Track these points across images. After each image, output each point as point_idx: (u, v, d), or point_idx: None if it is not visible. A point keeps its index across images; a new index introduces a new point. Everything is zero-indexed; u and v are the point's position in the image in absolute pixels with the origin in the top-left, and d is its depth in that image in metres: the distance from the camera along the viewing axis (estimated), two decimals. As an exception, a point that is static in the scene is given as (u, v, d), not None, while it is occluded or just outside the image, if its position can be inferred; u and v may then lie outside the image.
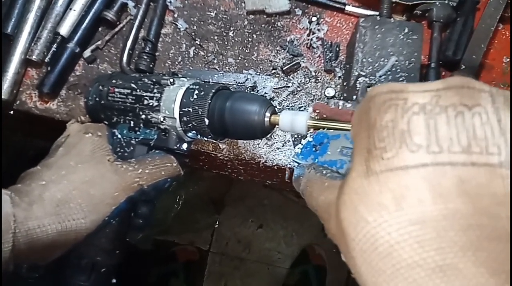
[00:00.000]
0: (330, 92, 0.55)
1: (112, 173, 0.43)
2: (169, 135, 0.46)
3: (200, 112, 0.42)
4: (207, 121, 0.42)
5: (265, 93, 0.55)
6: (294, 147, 0.50)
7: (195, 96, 0.42)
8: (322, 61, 0.56)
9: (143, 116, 0.46)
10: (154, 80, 0.46)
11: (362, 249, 0.21)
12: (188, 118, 0.43)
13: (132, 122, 0.48)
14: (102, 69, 0.59)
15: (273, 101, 0.55)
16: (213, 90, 0.43)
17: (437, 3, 0.55)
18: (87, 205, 0.40)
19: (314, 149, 0.37)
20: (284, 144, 0.55)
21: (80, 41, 0.57)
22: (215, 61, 0.57)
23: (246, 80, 0.55)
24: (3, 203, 0.37)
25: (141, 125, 0.47)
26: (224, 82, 0.55)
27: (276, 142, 0.55)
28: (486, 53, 0.56)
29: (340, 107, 0.39)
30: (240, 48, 0.58)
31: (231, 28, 0.58)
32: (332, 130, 0.37)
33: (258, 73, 0.56)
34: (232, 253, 1.57)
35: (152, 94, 0.45)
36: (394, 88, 0.22)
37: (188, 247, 1.54)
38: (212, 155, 0.57)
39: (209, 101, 0.42)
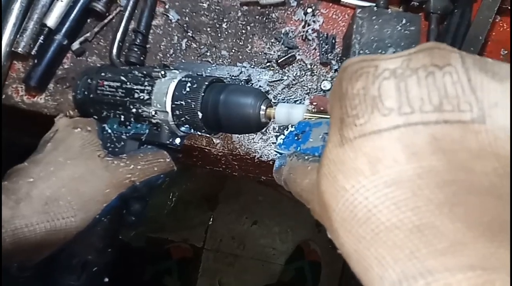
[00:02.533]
0: (327, 85, 0.53)
1: (103, 169, 0.41)
2: (161, 130, 0.44)
3: (193, 106, 0.40)
4: (200, 114, 0.40)
5: (259, 86, 0.53)
6: (276, 138, 0.49)
7: (187, 89, 0.41)
8: (318, 53, 0.55)
9: (134, 110, 0.44)
10: (144, 72, 0.44)
11: (343, 218, 0.21)
12: (181, 112, 0.41)
13: (122, 116, 0.46)
14: (91, 62, 0.57)
15: (268, 95, 0.54)
16: (206, 83, 0.41)
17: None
18: (77, 202, 0.39)
19: (296, 138, 0.36)
20: (279, 138, 0.54)
21: (68, 33, 0.55)
22: (208, 53, 0.56)
23: (240, 73, 0.54)
24: None
25: (132, 119, 0.46)
26: (217, 75, 0.54)
27: (271, 136, 0.54)
28: (484, 45, 0.55)
29: (337, 100, 0.38)
30: (234, 40, 0.56)
31: (225, 20, 0.56)
32: (314, 119, 0.36)
33: (252, 66, 0.55)
34: (227, 250, 1.56)
35: (142, 87, 0.43)
36: (366, 58, 0.22)
37: (182, 244, 1.53)
38: (206, 150, 0.56)
39: (202, 94, 0.40)
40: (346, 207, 0.21)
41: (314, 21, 0.55)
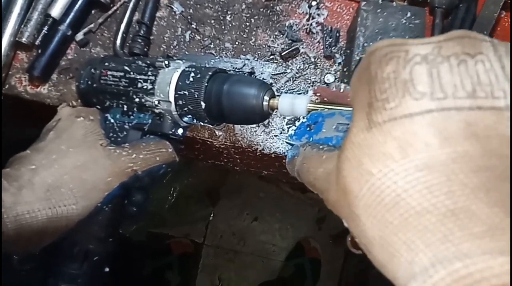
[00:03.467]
0: (330, 78, 0.53)
1: (105, 158, 0.41)
2: (164, 120, 0.44)
3: (196, 96, 0.40)
4: (203, 104, 0.40)
5: (263, 79, 0.53)
6: (288, 130, 0.48)
7: (191, 79, 0.41)
8: (322, 47, 0.55)
9: (137, 99, 0.44)
10: (148, 62, 0.44)
11: (367, 204, 0.21)
12: (184, 102, 0.41)
13: (125, 106, 0.46)
14: (95, 53, 0.57)
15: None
16: (210, 73, 0.41)
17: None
18: (79, 190, 0.39)
19: (308, 129, 0.36)
20: (282, 131, 0.54)
21: (72, 23, 0.55)
22: (212, 45, 0.56)
23: (244, 65, 0.54)
24: None
25: (135, 109, 0.46)
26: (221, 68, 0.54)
27: (274, 129, 0.54)
28: (488, 40, 0.55)
29: (341, 91, 0.38)
30: (238, 33, 0.56)
31: (229, 12, 0.56)
32: (326, 110, 0.36)
33: (256, 59, 0.55)
34: (227, 245, 1.56)
35: (146, 77, 0.43)
36: (394, 42, 0.22)
37: (183, 239, 1.53)
38: (208, 142, 0.56)
39: (206, 84, 0.40)
40: (372, 192, 0.20)
41: (318, 14, 0.55)
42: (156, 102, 0.43)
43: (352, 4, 0.56)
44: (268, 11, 0.56)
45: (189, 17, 0.56)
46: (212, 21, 0.56)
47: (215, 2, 0.57)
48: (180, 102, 0.42)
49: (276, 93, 0.51)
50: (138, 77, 0.43)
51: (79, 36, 0.56)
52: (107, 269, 0.46)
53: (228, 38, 0.56)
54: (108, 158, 0.41)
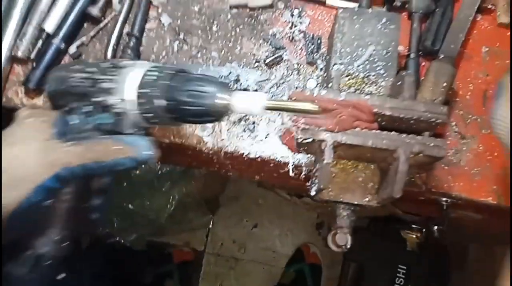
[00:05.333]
0: (312, 84, 0.55)
1: (39, 151, 0.41)
2: (126, 119, 0.44)
3: (158, 94, 0.41)
4: (165, 103, 0.41)
5: (248, 85, 0.55)
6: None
7: (154, 78, 0.41)
8: (305, 53, 0.57)
9: (100, 99, 0.44)
10: (113, 63, 0.45)
11: None
12: (145, 100, 0.41)
13: (89, 106, 0.46)
14: (87, 65, 0.60)
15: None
16: (173, 72, 0.42)
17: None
18: (4, 182, 0.39)
19: None
20: (267, 135, 0.56)
21: (65, 37, 0.58)
22: (199, 55, 0.58)
23: (230, 73, 0.56)
24: None
25: (99, 110, 0.46)
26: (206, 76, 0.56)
27: (259, 134, 0.56)
28: (465, 43, 0.57)
29: (315, 94, 0.40)
30: (224, 42, 0.58)
31: (215, 22, 0.59)
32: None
33: (241, 67, 0.57)
34: (227, 253, 1.57)
35: (110, 77, 0.44)
36: None
37: (183, 247, 1.54)
38: (197, 148, 0.58)
39: (168, 82, 0.41)
40: None
41: (300, 23, 0.58)
42: (119, 101, 0.43)
43: (333, 11, 0.58)
44: (253, 21, 0.59)
45: (176, 28, 0.59)
46: (199, 32, 0.59)
47: (202, 13, 0.59)
48: (142, 100, 0.42)
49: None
50: (102, 77, 0.44)
51: (72, 49, 0.59)
52: (62, 276, 0.45)
53: (215, 47, 0.58)
54: (42, 151, 0.41)
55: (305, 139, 0.39)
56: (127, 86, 0.42)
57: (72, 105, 0.46)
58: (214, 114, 0.41)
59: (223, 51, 0.58)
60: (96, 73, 0.45)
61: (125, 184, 1.23)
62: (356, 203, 0.44)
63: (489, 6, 0.57)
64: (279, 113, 0.55)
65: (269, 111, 0.39)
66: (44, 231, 0.43)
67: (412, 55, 0.55)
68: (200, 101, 0.40)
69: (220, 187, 1.58)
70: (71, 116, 0.47)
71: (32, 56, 0.58)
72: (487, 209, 0.56)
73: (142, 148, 0.43)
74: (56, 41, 0.57)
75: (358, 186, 0.44)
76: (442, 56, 0.54)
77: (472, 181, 0.53)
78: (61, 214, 0.44)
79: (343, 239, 0.43)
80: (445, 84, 0.50)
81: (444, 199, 0.57)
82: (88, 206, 0.46)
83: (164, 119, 0.42)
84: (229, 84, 0.46)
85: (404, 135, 0.40)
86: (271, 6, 0.58)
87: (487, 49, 0.57)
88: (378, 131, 0.40)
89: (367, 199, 0.44)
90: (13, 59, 0.59)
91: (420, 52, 0.56)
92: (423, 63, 0.56)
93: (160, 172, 1.29)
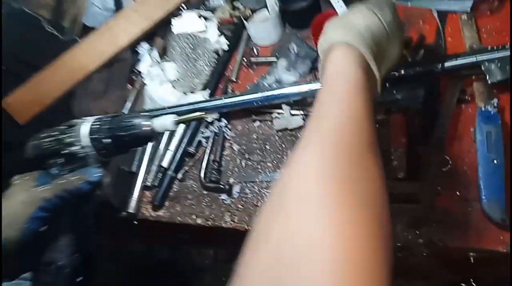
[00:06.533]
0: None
1: (23, 194, 0.56)
2: (89, 159, 0.59)
3: (103, 135, 0.57)
4: (109, 140, 0.57)
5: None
6: None
7: (97, 126, 0.58)
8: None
9: (67, 151, 0.58)
10: (67, 124, 0.60)
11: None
12: (97, 143, 0.57)
13: (61, 158, 0.60)
14: (189, 185, 0.89)
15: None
16: (109, 119, 0.58)
17: (406, 101, 0.77)
18: (6, 221, 0.54)
19: None
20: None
21: (175, 168, 0.89)
22: (259, 167, 0.84)
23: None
24: None
25: (68, 159, 0.59)
26: (266, 180, 0.81)
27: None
28: (455, 127, 0.74)
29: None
30: (275, 155, 0.84)
31: (267, 143, 0.86)
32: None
33: (288, 170, 0.81)
34: None
35: (68, 134, 0.59)
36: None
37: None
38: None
39: (107, 126, 0.57)
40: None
41: (326, 134, 0.82)
42: (79, 148, 0.58)
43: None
44: (292, 137, 0.85)
45: (243, 151, 0.87)
46: (258, 151, 0.86)
47: (258, 139, 0.87)
48: (95, 143, 0.57)
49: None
50: (63, 136, 0.59)
51: (179, 175, 0.90)
52: (80, 278, 0.60)
53: (269, 160, 0.84)
54: (25, 194, 0.56)
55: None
56: (82, 137, 0.58)
57: (49, 161, 0.61)
58: (145, 137, 0.58)
59: (274, 161, 0.84)
60: (58, 134, 0.60)
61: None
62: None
63: (467, 97, 0.75)
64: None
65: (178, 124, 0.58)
66: (58, 249, 0.58)
67: (410, 144, 0.74)
68: (132, 131, 0.57)
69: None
70: (51, 169, 0.61)
71: (156, 183, 0.90)
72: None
73: (93, 172, 0.59)
74: (169, 172, 0.89)
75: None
76: (431, 142, 0.72)
77: (482, 234, 0.66)
78: (65, 236, 0.59)
79: None
80: (435, 163, 0.67)
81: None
82: (84, 217, 0.61)
83: (113, 151, 0.58)
84: (149, 116, 0.60)
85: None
86: (304, 126, 0.84)
87: (472, 129, 0.73)
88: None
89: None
90: (144, 187, 0.91)
91: (417, 141, 0.74)
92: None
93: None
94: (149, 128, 0.57)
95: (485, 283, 0.72)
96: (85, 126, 0.58)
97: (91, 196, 0.62)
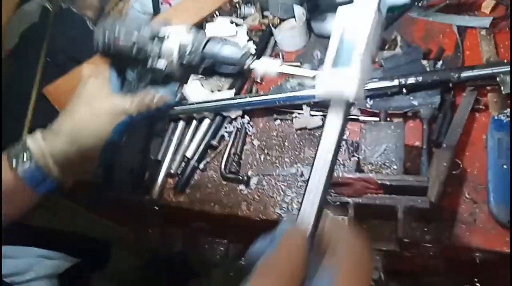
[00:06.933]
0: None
1: (106, 104, 0.56)
2: (173, 71, 0.56)
3: (193, 55, 0.54)
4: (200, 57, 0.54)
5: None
6: None
7: (191, 45, 0.54)
8: (345, 153, 0.84)
9: (149, 64, 0.55)
10: (152, 34, 0.55)
11: None
12: (191, 56, 0.54)
13: (139, 67, 0.57)
14: (209, 175, 0.95)
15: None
16: (206, 40, 0.54)
17: (422, 107, 0.80)
18: (90, 129, 0.55)
19: None
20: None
21: (198, 159, 0.95)
22: (277, 161, 0.89)
23: (297, 171, 0.85)
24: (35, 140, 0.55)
25: (147, 70, 0.56)
26: (282, 174, 0.86)
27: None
28: (468, 133, 0.77)
29: (340, 175, 0.65)
30: (292, 152, 0.89)
31: (286, 140, 0.91)
32: None
33: (304, 166, 0.86)
34: None
35: (153, 47, 0.55)
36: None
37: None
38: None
39: (204, 44, 0.54)
40: None
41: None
42: (164, 66, 0.55)
43: (361, 125, 0.85)
44: (311, 136, 0.89)
45: (262, 146, 0.92)
46: (277, 147, 0.91)
47: (278, 136, 0.92)
48: (181, 60, 0.54)
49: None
50: (146, 47, 0.55)
51: (201, 166, 0.96)
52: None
53: (287, 155, 0.89)
54: (107, 103, 0.56)
55: (334, 202, 0.64)
56: (170, 53, 0.55)
57: (124, 63, 0.58)
58: (239, 65, 0.53)
59: (292, 157, 0.88)
60: (139, 42, 0.55)
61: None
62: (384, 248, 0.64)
63: (481, 106, 0.78)
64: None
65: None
66: (129, 155, 0.75)
67: (424, 147, 0.77)
68: (226, 59, 0.54)
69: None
70: (128, 72, 0.59)
71: (179, 172, 0.96)
72: None
73: (172, 93, 0.58)
74: (192, 162, 0.95)
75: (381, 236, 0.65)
76: (444, 146, 0.75)
77: (488, 235, 0.68)
78: (134, 142, 0.72)
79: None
80: (445, 164, 0.70)
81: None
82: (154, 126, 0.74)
83: (197, 68, 0.55)
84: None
85: (400, 196, 0.61)
86: (322, 125, 0.89)
87: (484, 136, 0.76)
88: (383, 195, 0.62)
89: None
90: (168, 175, 0.97)
91: (431, 145, 0.78)
92: (434, 151, 0.78)
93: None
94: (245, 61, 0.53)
95: (489, 284, 0.73)
96: (175, 41, 0.54)
97: (166, 115, 0.76)
